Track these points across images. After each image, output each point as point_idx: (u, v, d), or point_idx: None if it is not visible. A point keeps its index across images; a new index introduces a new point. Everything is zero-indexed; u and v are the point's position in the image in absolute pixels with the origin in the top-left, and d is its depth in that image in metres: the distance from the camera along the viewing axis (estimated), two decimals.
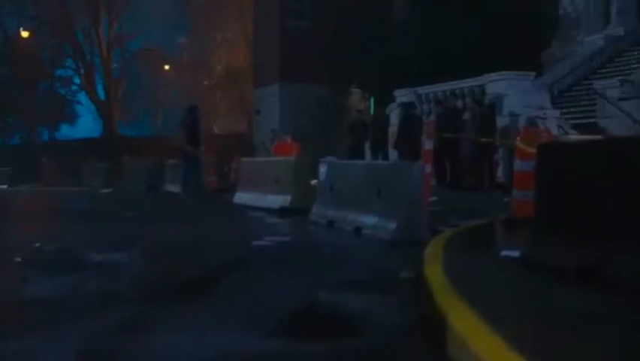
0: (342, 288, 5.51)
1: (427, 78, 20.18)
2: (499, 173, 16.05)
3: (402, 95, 20.91)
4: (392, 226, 8.10)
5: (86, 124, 47.56)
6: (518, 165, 9.30)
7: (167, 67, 46.63)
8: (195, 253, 7.13)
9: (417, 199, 8.13)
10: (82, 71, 44.55)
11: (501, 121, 16.37)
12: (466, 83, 18.92)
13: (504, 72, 17.92)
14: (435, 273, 4.94)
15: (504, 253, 6.31)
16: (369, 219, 8.65)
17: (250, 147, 32.39)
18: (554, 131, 16.32)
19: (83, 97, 46.81)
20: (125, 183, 24.02)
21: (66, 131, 49.06)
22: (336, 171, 10.28)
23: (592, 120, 18.24)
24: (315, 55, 28.72)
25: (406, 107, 18.36)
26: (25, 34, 41.68)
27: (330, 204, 10.06)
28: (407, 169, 8.55)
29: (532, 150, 8.54)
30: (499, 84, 17.95)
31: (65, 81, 47.84)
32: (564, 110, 18.94)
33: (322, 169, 10.54)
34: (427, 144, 9.74)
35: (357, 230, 8.68)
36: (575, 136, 16.44)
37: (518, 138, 9.71)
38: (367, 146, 18.86)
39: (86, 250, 7.01)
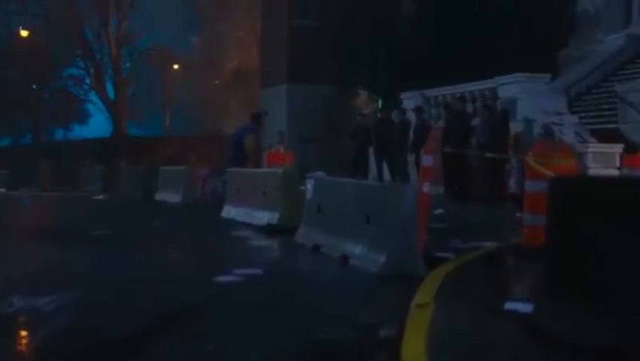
0: (308, 354, 4.53)
1: (437, 80, 19.00)
2: (511, 183, 14.92)
3: (408, 98, 19.78)
4: (382, 258, 7.02)
5: (99, 124, 46.81)
6: (529, 185, 8.16)
7: (176, 66, 45.83)
8: (139, 297, 5.99)
9: (410, 227, 6.99)
10: (91, 71, 43.83)
11: (514, 127, 15.23)
12: (476, 86, 17.72)
13: (517, 74, 16.66)
14: (414, 350, 3.81)
15: (509, 306, 5.19)
16: (357, 248, 7.59)
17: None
18: (572, 138, 15.14)
19: (94, 96, 46.12)
20: (120, 189, 23.02)
21: (79, 131, 48.39)
22: (324, 188, 9.16)
23: (612, 126, 16.89)
24: (323, 55, 27.71)
25: (396, 113, 17.72)
26: (30, 33, 40.93)
27: (317, 226, 9.00)
28: (399, 192, 7.41)
29: (545, 171, 7.47)
30: (511, 87, 16.71)
31: (77, 80, 47.11)
32: (582, 115, 17.60)
33: (309, 185, 9.43)
34: (426, 160, 8.61)
35: (344, 259, 7.62)
36: (593, 144, 15.22)
37: (530, 153, 8.54)
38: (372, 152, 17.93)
39: (11, 292, 5.91)
